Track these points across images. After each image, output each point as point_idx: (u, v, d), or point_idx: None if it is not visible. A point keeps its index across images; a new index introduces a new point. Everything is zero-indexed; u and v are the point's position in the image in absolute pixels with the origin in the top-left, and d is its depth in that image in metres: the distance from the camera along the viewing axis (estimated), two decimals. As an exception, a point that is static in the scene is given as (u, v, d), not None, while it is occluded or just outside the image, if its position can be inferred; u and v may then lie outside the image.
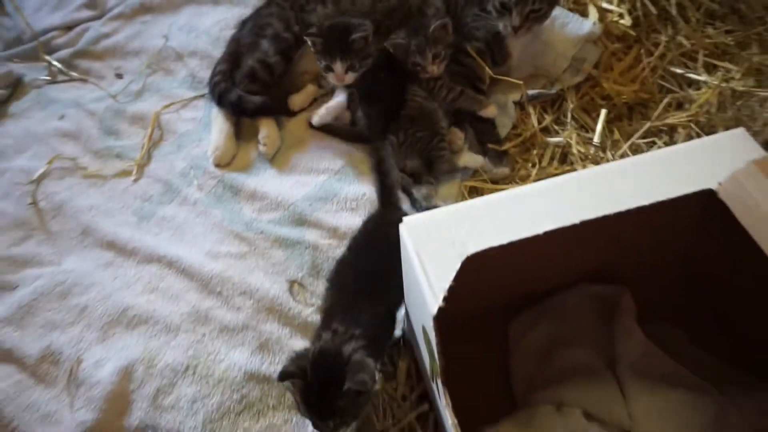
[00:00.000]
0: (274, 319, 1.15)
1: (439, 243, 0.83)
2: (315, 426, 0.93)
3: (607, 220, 0.81)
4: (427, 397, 1.06)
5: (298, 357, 0.92)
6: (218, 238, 1.29)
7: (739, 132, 0.90)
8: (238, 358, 1.10)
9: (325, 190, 1.33)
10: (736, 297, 1.07)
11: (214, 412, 1.05)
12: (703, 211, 0.89)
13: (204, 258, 1.24)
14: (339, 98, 1.42)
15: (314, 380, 0.89)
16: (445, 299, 0.77)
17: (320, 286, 1.18)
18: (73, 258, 1.29)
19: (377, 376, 0.98)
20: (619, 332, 1.06)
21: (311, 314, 1.15)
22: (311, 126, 1.42)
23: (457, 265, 0.78)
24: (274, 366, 1.10)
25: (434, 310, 0.77)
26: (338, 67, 1.35)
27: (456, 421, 0.80)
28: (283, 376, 0.90)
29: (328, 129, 1.42)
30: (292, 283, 1.20)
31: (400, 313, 1.08)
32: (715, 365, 1.05)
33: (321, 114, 1.40)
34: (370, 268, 1.04)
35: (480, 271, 0.78)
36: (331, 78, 1.39)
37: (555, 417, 0.98)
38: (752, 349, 1.05)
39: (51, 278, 1.24)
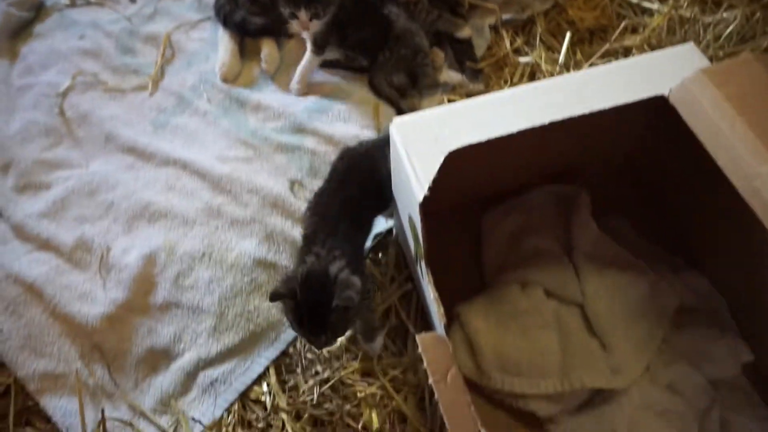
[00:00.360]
0: (277, 213, 1.14)
1: (425, 140, 0.81)
2: (309, 341, 0.88)
3: (571, 122, 0.80)
4: (411, 279, 1.07)
5: (288, 279, 0.85)
6: (226, 144, 1.26)
7: (689, 46, 0.89)
8: (247, 246, 1.10)
9: (321, 104, 1.30)
10: (674, 193, 1.08)
11: (228, 292, 1.06)
12: (655, 115, 0.88)
13: (214, 161, 1.22)
14: (307, 58, 1.31)
15: (304, 300, 0.82)
16: (429, 189, 0.76)
17: (317, 185, 1.17)
18: (99, 162, 1.26)
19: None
20: (576, 225, 1.07)
21: (310, 209, 1.14)
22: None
23: (440, 160, 0.77)
24: (278, 254, 1.10)
25: (420, 198, 0.77)
26: (302, 15, 1.21)
27: (437, 295, 0.81)
28: (274, 297, 0.84)
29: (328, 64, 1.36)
30: (292, 183, 1.19)
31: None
32: (653, 250, 1.07)
33: (296, 88, 1.32)
34: (354, 196, 0.97)
35: (460, 167, 0.77)
36: (296, 25, 1.25)
37: (520, 294, 1.00)
38: (683, 237, 1.07)
39: (80, 179, 1.21)
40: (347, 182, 0.98)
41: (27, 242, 1.14)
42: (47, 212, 1.17)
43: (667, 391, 0.93)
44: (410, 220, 0.88)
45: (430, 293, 0.82)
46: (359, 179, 0.98)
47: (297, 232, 1.12)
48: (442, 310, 0.79)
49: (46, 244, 1.13)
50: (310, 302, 0.83)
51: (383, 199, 1.00)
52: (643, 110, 0.82)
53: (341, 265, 0.85)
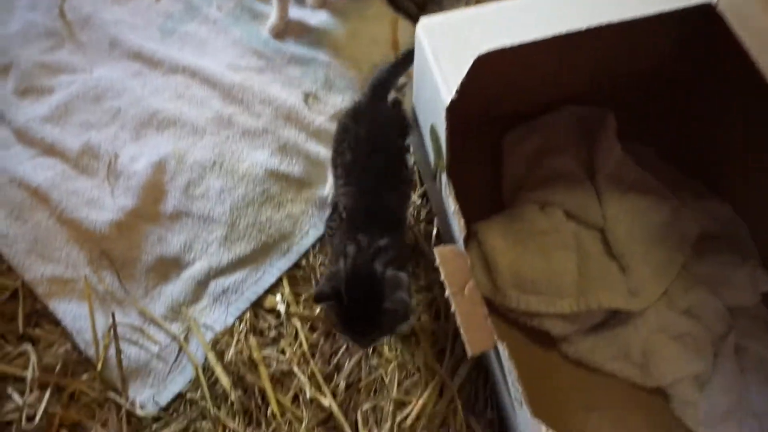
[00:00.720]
0: (291, 125, 1.13)
1: (454, 43, 0.79)
2: (353, 341, 0.83)
3: (606, 29, 0.77)
4: (426, 198, 1.06)
5: (332, 276, 0.79)
6: (238, 54, 1.23)
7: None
8: (259, 157, 1.09)
9: (337, 18, 1.28)
10: (704, 116, 1.05)
11: (239, 201, 1.05)
12: (696, 25, 0.85)
13: (225, 69, 1.19)
14: None
15: (350, 300, 0.76)
16: (457, 92, 0.74)
17: (333, 98, 1.15)
18: (104, 67, 1.23)
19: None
20: (600, 147, 1.05)
21: (324, 122, 1.13)
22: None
23: (469, 63, 0.74)
24: (291, 166, 1.09)
25: (447, 102, 0.75)
26: None
27: (458, 207, 0.80)
28: (320, 298, 0.78)
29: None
30: (307, 95, 1.17)
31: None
32: (677, 176, 1.06)
33: (311, 2, 1.29)
34: (385, 157, 0.90)
35: (488, 72, 0.76)
36: None
37: (539, 214, 1.00)
38: (708, 164, 1.06)
39: (84, 84, 1.19)
40: (374, 149, 0.90)
41: (31, 147, 1.12)
42: (50, 117, 1.15)
43: (684, 315, 0.94)
44: (432, 131, 0.86)
45: (451, 206, 0.81)
46: (384, 139, 0.91)
47: (311, 146, 1.11)
48: (462, 222, 0.78)
49: (50, 149, 1.12)
50: (357, 303, 0.77)
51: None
52: (685, 19, 0.79)
53: (386, 260, 0.80)
